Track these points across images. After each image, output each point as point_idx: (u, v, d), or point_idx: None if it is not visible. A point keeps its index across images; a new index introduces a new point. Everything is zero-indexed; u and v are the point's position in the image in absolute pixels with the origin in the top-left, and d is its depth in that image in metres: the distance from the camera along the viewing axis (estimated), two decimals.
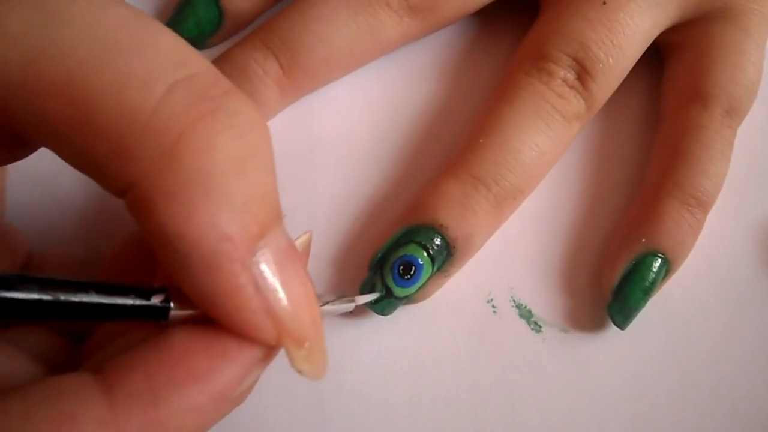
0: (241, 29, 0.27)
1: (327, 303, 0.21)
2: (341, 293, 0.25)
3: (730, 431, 0.25)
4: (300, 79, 0.25)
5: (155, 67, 0.14)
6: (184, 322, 0.16)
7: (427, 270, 0.23)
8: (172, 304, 0.16)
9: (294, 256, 0.16)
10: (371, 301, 0.24)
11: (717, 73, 0.25)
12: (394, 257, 0.23)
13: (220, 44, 0.28)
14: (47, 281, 0.14)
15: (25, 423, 0.14)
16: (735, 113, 0.25)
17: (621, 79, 0.25)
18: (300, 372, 0.16)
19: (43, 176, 0.26)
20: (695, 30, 0.26)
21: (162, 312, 0.16)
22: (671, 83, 0.27)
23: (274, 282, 0.15)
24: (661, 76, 0.28)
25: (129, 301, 0.15)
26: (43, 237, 0.25)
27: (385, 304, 0.24)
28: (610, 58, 0.24)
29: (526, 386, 0.25)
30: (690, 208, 0.24)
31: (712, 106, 0.25)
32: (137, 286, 0.16)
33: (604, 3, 0.24)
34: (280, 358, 0.24)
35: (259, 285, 0.15)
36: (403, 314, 0.25)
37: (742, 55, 0.25)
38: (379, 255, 0.24)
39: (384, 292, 0.24)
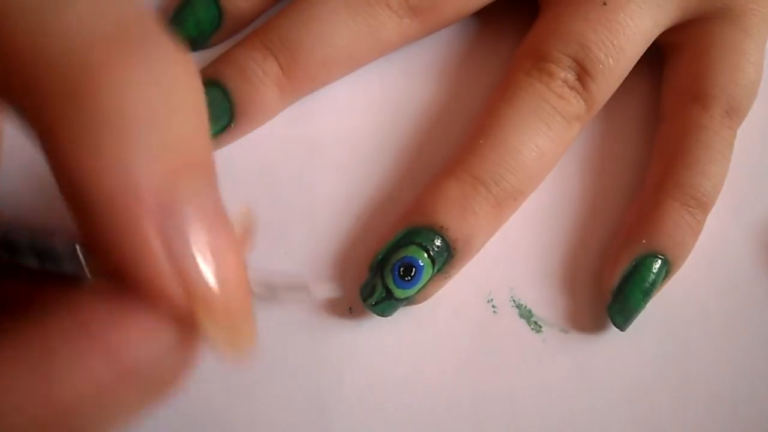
0: (241, 29, 0.27)
1: (275, 288, 0.18)
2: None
3: (730, 431, 0.25)
4: (300, 80, 0.25)
5: (74, 1, 0.13)
6: (99, 283, 0.14)
7: (427, 271, 0.23)
8: (84, 265, 0.14)
9: (219, 217, 0.14)
10: (372, 303, 0.24)
11: (717, 73, 0.25)
12: (394, 258, 0.23)
13: (219, 44, 0.28)
14: None
15: None
16: (735, 114, 0.25)
17: (621, 80, 0.25)
18: (218, 350, 0.14)
19: (31, 167, 0.25)
20: (695, 30, 0.26)
21: (70, 264, 0.14)
22: (671, 84, 0.27)
23: (186, 238, 0.13)
24: (661, 77, 0.28)
25: (36, 244, 0.14)
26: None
27: (385, 305, 0.24)
28: (611, 59, 0.24)
29: (526, 386, 0.25)
30: (690, 208, 0.24)
31: (711, 107, 0.25)
32: (48, 231, 0.14)
33: (605, 4, 0.24)
34: (279, 361, 0.24)
35: (170, 244, 0.13)
36: (403, 315, 0.25)
37: (741, 56, 0.25)
38: (380, 256, 0.24)
39: (384, 293, 0.24)
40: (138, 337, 0.13)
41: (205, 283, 0.13)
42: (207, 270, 0.14)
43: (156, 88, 0.13)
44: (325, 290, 0.19)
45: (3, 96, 0.14)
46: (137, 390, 0.14)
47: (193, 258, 0.13)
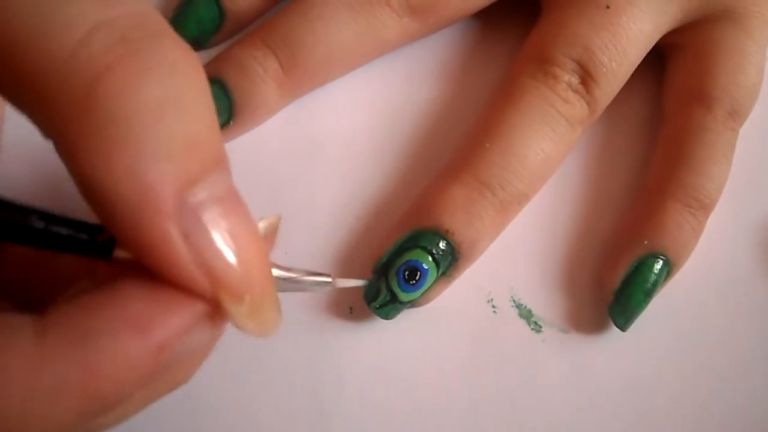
0: (242, 29, 0.27)
1: (298, 276, 0.19)
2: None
3: (730, 431, 0.25)
4: (300, 78, 0.25)
5: (79, 8, 0.14)
6: (129, 265, 0.15)
7: (432, 275, 0.23)
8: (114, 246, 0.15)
9: (233, 204, 0.15)
10: (376, 306, 0.24)
11: (719, 75, 0.25)
12: (399, 262, 0.23)
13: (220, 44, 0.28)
14: None
15: None
16: (737, 115, 0.25)
17: (623, 83, 0.25)
18: (242, 329, 0.15)
19: (32, 164, 0.25)
20: (697, 32, 0.26)
21: (104, 248, 0.15)
22: (673, 85, 0.27)
23: (207, 231, 0.14)
24: (662, 78, 0.28)
25: (71, 232, 0.15)
26: None
27: (389, 308, 0.24)
28: (614, 63, 0.24)
29: (526, 386, 0.25)
30: (692, 210, 0.24)
31: (714, 109, 0.25)
32: (84, 221, 0.15)
33: (608, 7, 0.24)
34: (279, 361, 0.24)
35: (189, 235, 0.14)
36: (403, 315, 0.25)
37: (743, 57, 0.25)
38: (384, 259, 0.24)
39: (389, 296, 0.24)
40: (167, 316, 0.14)
41: (227, 270, 0.14)
42: (227, 257, 0.14)
43: (164, 89, 0.14)
44: (349, 282, 0.21)
45: (14, 103, 0.14)
46: (164, 367, 0.14)
47: (216, 249, 0.14)
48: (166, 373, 0.15)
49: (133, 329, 0.14)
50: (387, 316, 0.24)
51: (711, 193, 0.25)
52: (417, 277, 0.23)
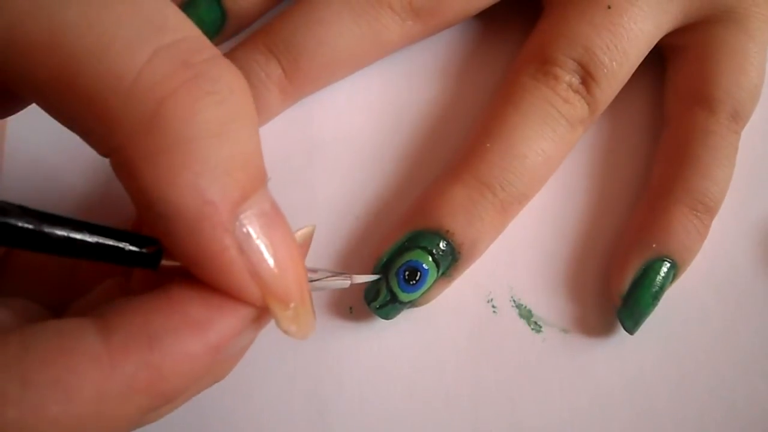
0: (243, 29, 0.27)
1: (323, 278, 0.21)
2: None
3: (730, 431, 0.25)
4: (302, 82, 0.25)
5: (139, 32, 0.14)
6: (174, 273, 0.16)
7: (432, 275, 0.24)
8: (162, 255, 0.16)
9: (278, 219, 0.16)
10: (376, 306, 0.24)
11: (721, 76, 0.25)
12: (399, 262, 0.24)
13: (219, 45, 0.28)
14: (46, 215, 0.15)
15: (22, 356, 0.14)
16: (740, 117, 0.25)
17: (624, 83, 0.25)
18: (286, 332, 0.16)
19: (41, 167, 0.26)
20: (698, 33, 0.26)
21: (152, 259, 0.16)
22: (675, 87, 0.27)
23: (257, 244, 0.15)
24: (662, 78, 0.28)
25: (122, 245, 0.16)
26: None
27: (389, 308, 0.24)
28: (614, 63, 0.24)
29: (526, 386, 0.25)
30: (698, 213, 0.25)
31: (718, 111, 0.25)
32: (132, 233, 0.16)
33: (609, 7, 0.24)
34: (278, 361, 0.24)
35: (242, 247, 0.15)
36: (403, 315, 0.25)
37: (745, 59, 0.25)
38: (384, 259, 0.24)
39: (389, 296, 0.24)
40: (223, 316, 0.16)
41: (275, 279, 0.16)
42: (275, 267, 0.16)
43: (223, 111, 0.15)
44: (364, 277, 0.23)
45: (69, 123, 0.15)
46: (216, 363, 0.16)
47: (263, 258, 0.16)
48: (213, 370, 0.17)
49: (193, 330, 0.15)
50: (387, 316, 0.24)
51: (716, 196, 0.25)
52: (417, 278, 0.23)
